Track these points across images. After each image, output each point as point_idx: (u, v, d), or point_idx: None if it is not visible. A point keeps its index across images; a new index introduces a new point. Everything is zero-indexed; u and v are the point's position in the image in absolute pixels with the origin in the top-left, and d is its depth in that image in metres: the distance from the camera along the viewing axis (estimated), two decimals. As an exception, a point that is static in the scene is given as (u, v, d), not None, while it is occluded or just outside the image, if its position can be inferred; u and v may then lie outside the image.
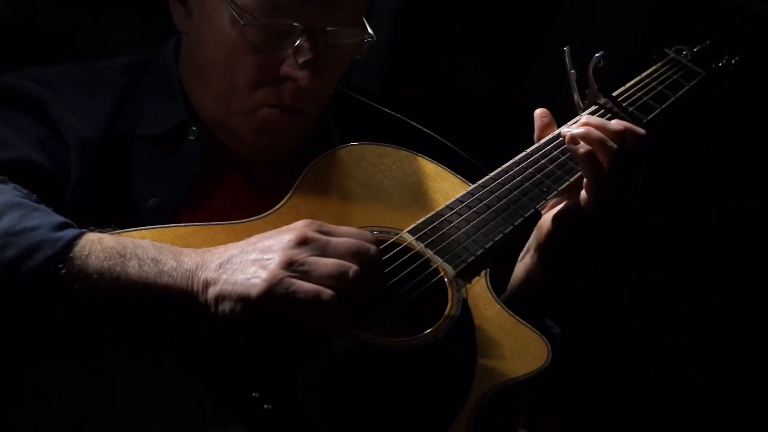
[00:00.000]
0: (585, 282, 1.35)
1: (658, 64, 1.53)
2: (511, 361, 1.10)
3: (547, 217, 1.28)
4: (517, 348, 1.11)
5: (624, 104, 1.39)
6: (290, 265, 0.98)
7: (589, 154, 1.20)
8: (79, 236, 1.01)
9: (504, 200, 1.23)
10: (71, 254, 0.99)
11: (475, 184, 1.26)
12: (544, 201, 1.25)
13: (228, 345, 1.01)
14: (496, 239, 1.19)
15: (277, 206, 1.19)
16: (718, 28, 1.66)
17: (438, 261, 1.15)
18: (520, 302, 1.29)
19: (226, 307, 0.98)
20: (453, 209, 1.21)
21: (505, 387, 1.08)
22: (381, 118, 1.45)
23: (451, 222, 1.20)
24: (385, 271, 1.10)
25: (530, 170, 1.28)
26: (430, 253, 1.16)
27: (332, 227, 1.04)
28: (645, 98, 1.43)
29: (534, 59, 2.26)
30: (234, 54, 1.23)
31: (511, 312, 1.15)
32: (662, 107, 1.43)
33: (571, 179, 1.27)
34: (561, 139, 1.31)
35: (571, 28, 2.25)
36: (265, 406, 0.99)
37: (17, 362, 0.97)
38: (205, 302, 0.99)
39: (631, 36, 2.16)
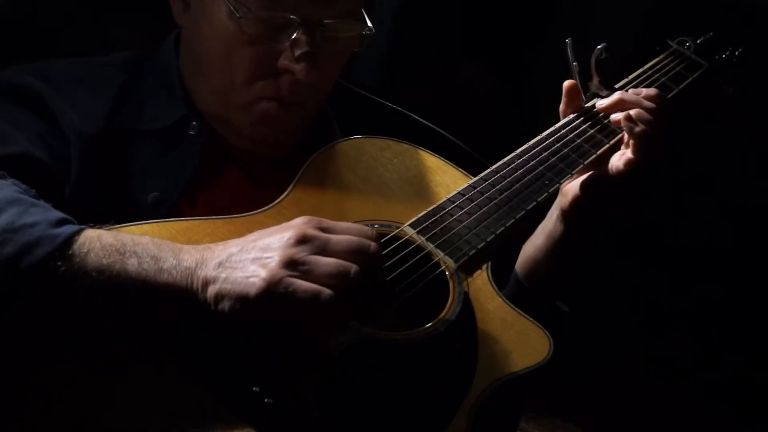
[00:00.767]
0: (591, 270, 1.36)
1: (662, 56, 1.52)
2: (512, 354, 1.09)
3: (575, 184, 1.29)
4: (519, 341, 1.11)
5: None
6: (290, 264, 0.97)
7: (643, 134, 1.23)
8: (78, 233, 1.00)
9: (506, 193, 1.23)
10: (70, 251, 0.98)
11: (477, 177, 1.25)
12: (546, 194, 1.24)
13: (228, 341, 1.00)
14: (497, 232, 1.19)
15: (278, 200, 1.19)
16: (721, 20, 1.65)
17: (439, 254, 1.15)
18: (533, 276, 1.31)
19: (225, 305, 0.97)
20: (454, 202, 1.21)
21: (507, 380, 1.07)
22: (382, 111, 1.45)
23: (453, 215, 1.19)
24: (386, 264, 1.09)
25: (532, 162, 1.27)
26: (431, 246, 1.15)
27: (332, 223, 1.04)
28: (648, 90, 1.42)
29: (534, 56, 2.25)
30: (231, 47, 1.23)
31: (512, 305, 1.15)
32: (665, 99, 1.42)
33: (573, 171, 1.27)
34: (563, 131, 1.31)
35: (571, 24, 2.24)
36: (266, 401, 0.99)
37: (16, 359, 0.96)
38: (205, 300, 0.99)
39: (632, 32, 2.15)
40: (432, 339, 1.08)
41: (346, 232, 1.03)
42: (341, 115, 1.42)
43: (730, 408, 2.18)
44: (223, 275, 0.98)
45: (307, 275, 0.97)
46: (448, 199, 1.21)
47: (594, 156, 1.29)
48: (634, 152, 1.26)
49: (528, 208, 1.22)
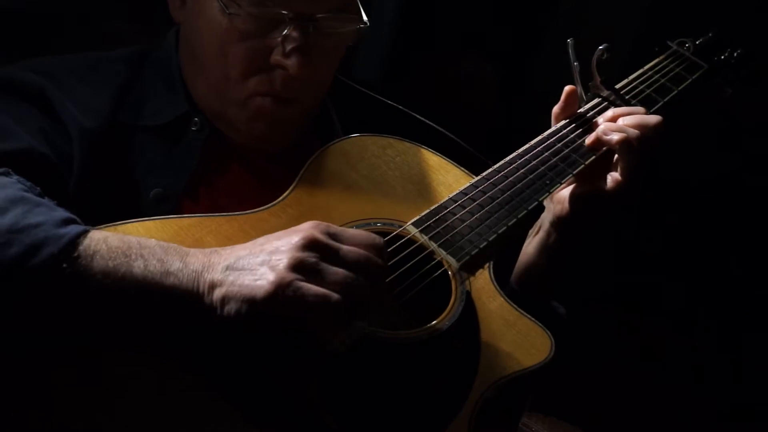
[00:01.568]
0: (585, 269, 1.36)
1: (661, 57, 1.52)
2: (514, 354, 1.10)
3: (567, 191, 1.28)
4: (521, 341, 1.11)
5: (627, 97, 1.39)
6: (298, 268, 0.97)
7: (625, 141, 1.23)
8: (83, 234, 0.99)
9: (508, 193, 1.23)
10: (75, 253, 0.97)
11: (479, 177, 1.26)
12: (547, 194, 1.25)
13: (232, 342, 1.00)
14: (500, 232, 1.19)
15: (281, 197, 1.19)
16: (721, 20, 1.66)
17: (442, 253, 1.15)
18: (528, 284, 1.30)
19: (231, 308, 0.97)
20: (457, 201, 1.21)
21: (509, 380, 1.08)
22: (384, 109, 1.45)
23: (455, 214, 1.20)
24: (389, 263, 1.09)
25: (534, 162, 1.27)
26: (434, 245, 1.16)
27: (340, 230, 1.03)
28: (648, 91, 1.43)
29: (535, 55, 2.26)
30: (225, 43, 1.23)
31: (514, 305, 1.15)
32: (665, 100, 1.43)
33: (575, 171, 1.27)
34: (565, 131, 1.32)
35: (571, 23, 2.25)
36: (272, 401, 0.99)
37: (21, 361, 0.96)
38: (211, 304, 0.98)
39: (632, 33, 2.16)
40: (434, 338, 1.08)
41: (355, 241, 1.02)
42: (343, 113, 1.42)
43: (731, 404, 2.19)
44: (230, 278, 0.98)
45: (315, 280, 0.97)
46: (451, 198, 1.21)
47: (594, 157, 1.29)
48: (622, 161, 1.25)
49: (530, 207, 1.22)
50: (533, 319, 1.14)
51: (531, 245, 1.33)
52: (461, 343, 1.10)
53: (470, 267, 1.16)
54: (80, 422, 0.95)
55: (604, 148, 1.28)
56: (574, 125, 1.33)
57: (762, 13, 1.93)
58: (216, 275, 0.98)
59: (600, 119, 1.31)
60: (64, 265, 0.96)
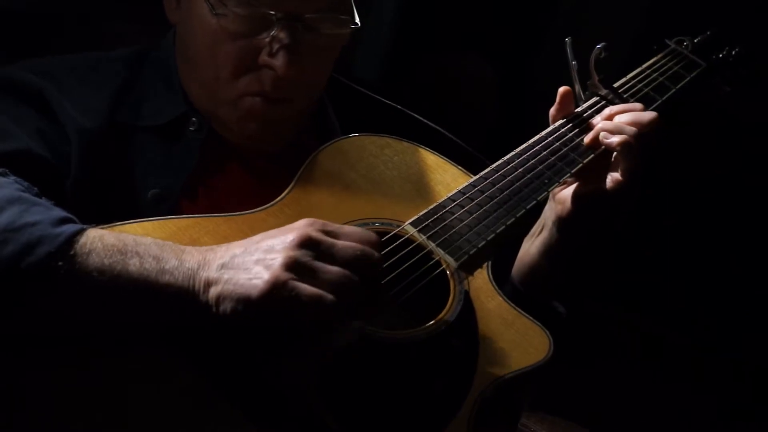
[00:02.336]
0: (586, 268, 1.36)
1: (659, 55, 1.52)
2: (513, 353, 1.10)
3: (569, 191, 1.28)
4: (519, 340, 1.11)
5: (625, 95, 1.39)
6: (293, 266, 0.97)
7: (624, 142, 1.23)
8: (79, 232, 1.00)
9: (506, 192, 1.23)
10: (71, 251, 0.97)
11: (477, 176, 1.25)
12: (545, 193, 1.25)
13: (229, 341, 1.00)
14: (498, 231, 1.19)
15: (279, 197, 1.19)
16: (719, 19, 1.66)
17: (440, 253, 1.15)
18: (531, 283, 1.30)
19: (227, 307, 0.97)
20: (455, 201, 1.21)
21: (508, 379, 1.08)
22: (383, 109, 1.45)
23: (453, 214, 1.19)
24: (387, 263, 1.09)
25: (532, 161, 1.27)
26: (432, 245, 1.16)
27: (336, 227, 1.03)
28: (646, 89, 1.43)
29: (534, 54, 2.26)
30: (215, 43, 1.23)
31: (512, 304, 1.15)
32: (663, 98, 1.43)
33: (573, 170, 1.27)
34: (563, 130, 1.32)
35: (570, 22, 2.25)
36: (271, 400, 0.99)
37: (17, 361, 0.96)
38: (206, 302, 0.98)
39: (630, 31, 2.16)
40: (433, 338, 1.08)
41: (350, 238, 1.02)
42: (341, 113, 1.41)
43: (730, 403, 2.19)
44: (226, 276, 0.98)
45: (310, 279, 0.97)
46: (449, 198, 1.21)
47: (593, 155, 1.29)
48: (623, 161, 1.25)
49: (528, 206, 1.22)
50: (532, 318, 1.14)
51: (533, 245, 1.33)
52: (460, 343, 1.10)
53: (468, 266, 1.16)
54: (80, 422, 0.95)
55: (603, 147, 1.28)
56: (572, 124, 1.33)
57: (761, 12, 1.93)
58: (211, 273, 0.98)
59: (597, 118, 1.31)
60: (60, 264, 0.96)
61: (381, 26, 2.02)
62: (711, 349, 2.23)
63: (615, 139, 1.24)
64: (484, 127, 2.15)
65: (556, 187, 1.27)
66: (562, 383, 1.26)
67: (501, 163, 1.27)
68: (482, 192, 1.23)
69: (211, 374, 1.00)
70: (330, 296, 0.96)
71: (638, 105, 1.32)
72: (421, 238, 1.16)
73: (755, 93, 1.55)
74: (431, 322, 1.09)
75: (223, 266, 0.99)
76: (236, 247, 1.01)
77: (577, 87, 1.36)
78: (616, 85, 1.40)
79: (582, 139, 1.30)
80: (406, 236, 1.16)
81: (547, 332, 1.12)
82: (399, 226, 1.18)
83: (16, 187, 1.06)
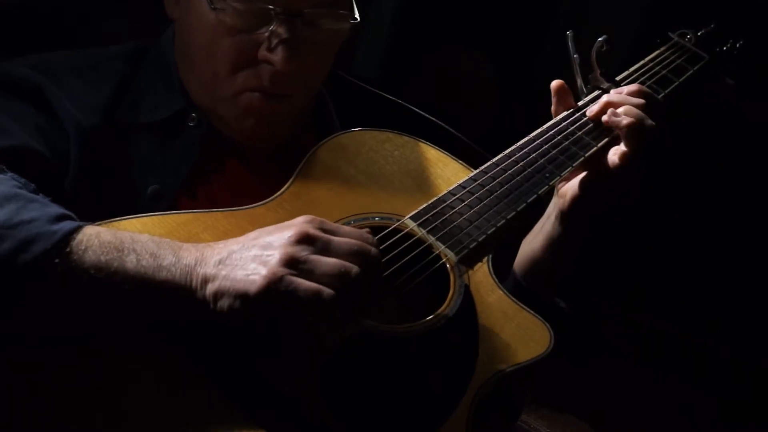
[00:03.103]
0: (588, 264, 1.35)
1: (662, 48, 1.51)
2: (513, 347, 1.09)
3: (572, 184, 1.27)
4: (520, 334, 1.11)
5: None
6: (291, 263, 0.97)
7: (631, 125, 1.22)
8: (76, 229, 0.99)
9: (506, 186, 1.23)
10: (68, 248, 0.97)
11: (478, 170, 1.25)
12: (546, 186, 1.24)
13: (227, 337, 0.99)
14: (498, 225, 1.18)
15: (279, 192, 1.19)
16: (722, 11, 1.65)
17: (440, 247, 1.15)
18: (535, 278, 1.30)
19: (224, 303, 0.96)
20: (455, 195, 1.20)
21: (508, 373, 1.07)
22: (383, 104, 1.45)
23: (454, 208, 1.19)
24: (387, 257, 1.09)
25: (533, 155, 1.27)
26: (432, 239, 1.15)
27: (333, 225, 1.03)
28: (648, 82, 1.41)
29: (535, 48, 2.25)
30: (213, 38, 1.23)
31: (513, 298, 1.15)
32: (666, 91, 1.42)
33: (574, 164, 1.26)
34: (564, 123, 1.31)
35: (571, 16, 2.24)
36: (269, 397, 0.98)
37: (14, 359, 0.95)
38: (204, 298, 0.98)
39: (633, 24, 2.15)
40: (433, 332, 1.07)
41: (348, 235, 1.02)
42: (341, 107, 1.41)
43: (732, 401, 2.18)
44: (223, 273, 0.97)
45: (307, 274, 0.96)
46: (449, 192, 1.21)
47: (595, 148, 1.28)
48: (628, 145, 1.25)
49: (529, 200, 1.22)
50: (532, 312, 1.13)
51: (536, 240, 1.33)
52: (460, 337, 1.09)
53: (469, 260, 1.15)
54: (79, 422, 0.95)
55: (605, 139, 1.27)
56: (573, 117, 1.32)
57: (761, 12, 1.92)
58: (209, 269, 0.98)
59: (595, 107, 1.30)
60: (57, 261, 0.96)
61: (381, 24, 2.01)
62: (713, 347, 2.22)
63: (622, 120, 1.24)
64: (485, 125, 2.15)
65: (558, 180, 1.26)
66: (561, 379, 1.25)
67: (502, 156, 1.27)
68: (483, 186, 1.22)
69: (210, 371, 0.99)
70: (328, 290, 0.95)
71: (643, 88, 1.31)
72: (421, 232, 1.15)
73: (759, 89, 1.54)
74: (431, 316, 1.09)
75: (220, 262, 0.98)
76: (233, 244, 1.01)
77: (579, 80, 1.36)
78: (618, 78, 1.39)
79: (584, 133, 1.29)
80: (406, 230, 1.16)
81: (548, 326, 1.11)
82: (399, 221, 1.17)
83: (13, 183, 1.06)
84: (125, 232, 1.02)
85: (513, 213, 1.20)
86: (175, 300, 0.99)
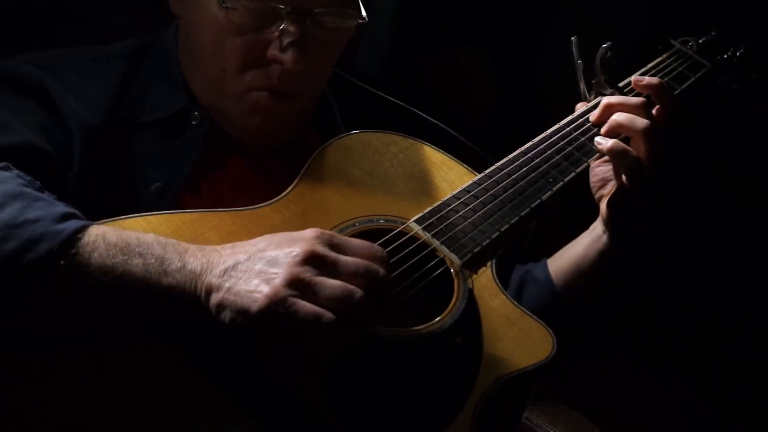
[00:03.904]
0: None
1: (664, 56, 1.52)
2: (516, 352, 1.10)
3: (603, 204, 1.33)
4: (523, 339, 1.11)
5: (630, 95, 1.38)
6: (294, 284, 0.95)
7: (620, 149, 1.26)
8: (81, 229, 0.99)
9: (510, 190, 1.23)
10: (73, 249, 0.97)
11: (482, 174, 1.25)
12: (550, 192, 1.25)
13: (233, 342, 0.99)
14: (502, 230, 1.19)
15: (284, 193, 1.18)
16: (721, 19, 1.66)
17: (444, 251, 1.15)
18: (572, 292, 1.37)
19: (226, 315, 0.96)
20: (459, 199, 1.21)
21: (511, 378, 1.08)
22: (387, 106, 1.45)
23: (458, 212, 1.19)
24: (391, 261, 1.08)
25: (537, 160, 1.27)
26: (436, 243, 1.15)
27: (342, 240, 1.01)
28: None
29: (538, 52, 2.25)
30: (221, 37, 1.22)
31: (516, 303, 1.15)
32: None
33: (578, 170, 1.27)
34: (568, 129, 1.32)
35: (573, 20, 2.24)
36: (274, 399, 0.98)
37: (17, 358, 0.95)
38: (207, 308, 0.97)
39: (633, 28, 2.15)
40: (436, 336, 1.08)
41: (356, 252, 1.00)
42: (345, 109, 1.41)
43: (734, 401, 2.20)
44: (227, 285, 0.96)
45: (310, 296, 0.95)
46: (453, 196, 1.21)
47: (598, 153, 1.29)
48: (637, 150, 1.27)
49: (532, 206, 1.22)
50: (535, 317, 1.14)
51: (581, 251, 1.38)
52: (463, 341, 1.10)
53: (473, 265, 1.16)
54: (80, 423, 0.95)
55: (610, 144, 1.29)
56: (576, 123, 1.33)
57: (761, 12, 1.93)
58: (213, 279, 0.97)
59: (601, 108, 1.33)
60: (62, 262, 0.96)
61: (382, 21, 2.00)
62: (715, 346, 2.23)
63: (640, 124, 1.27)
64: (485, 123, 2.15)
65: (560, 186, 1.26)
66: (565, 377, 1.26)
67: (506, 161, 1.27)
68: (487, 190, 1.23)
69: (214, 373, 0.99)
70: (328, 315, 0.94)
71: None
72: (426, 236, 1.16)
73: (760, 88, 1.55)
74: (435, 320, 1.09)
75: (225, 272, 0.98)
76: (240, 253, 1.00)
77: (583, 86, 1.37)
78: (621, 84, 1.40)
79: (587, 138, 1.30)
80: (411, 234, 1.16)
81: (551, 331, 1.12)
82: (403, 224, 1.17)
83: (19, 182, 1.05)
84: (131, 232, 1.02)
85: (517, 218, 1.21)
86: (180, 305, 0.98)
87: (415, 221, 1.17)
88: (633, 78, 1.38)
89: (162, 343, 0.99)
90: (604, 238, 1.35)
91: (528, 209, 1.22)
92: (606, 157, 1.30)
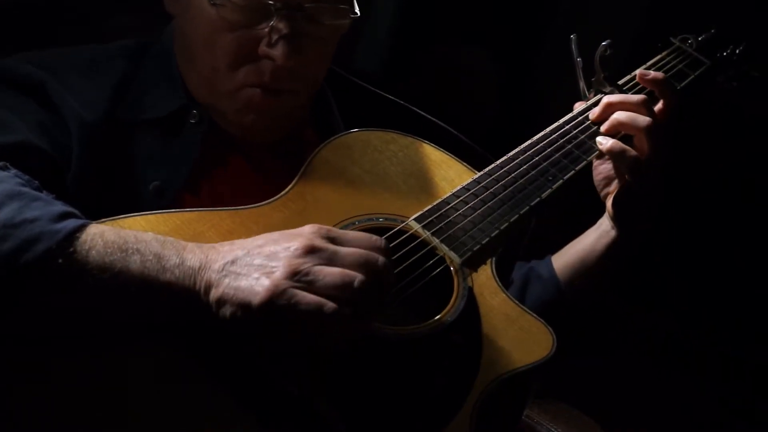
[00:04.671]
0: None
1: (664, 53, 1.53)
2: (516, 350, 1.10)
3: (608, 202, 1.34)
4: (523, 337, 1.11)
5: (630, 93, 1.39)
6: (294, 275, 0.95)
7: (619, 149, 1.27)
8: (80, 228, 0.98)
9: (510, 189, 1.23)
10: (71, 248, 0.96)
11: (481, 172, 1.25)
12: (549, 190, 1.25)
13: (233, 339, 0.99)
14: (502, 228, 1.19)
15: (284, 192, 1.18)
16: (721, 18, 1.66)
17: (444, 249, 1.15)
18: (577, 290, 1.38)
19: (227, 311, 0.96)
20: (459, 197, 1.21)
21: (510, 376, 1.08)
22: (386, 104, 1.45)
23: (458, 210, 1.19)
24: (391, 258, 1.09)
25: (536, 158, 1.27)
26: (436, 241, 1.16)
27: (340, 233, 1.01)
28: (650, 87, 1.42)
29: (537, 50, 2.25)
30: (213, 34, 1.22)
31: (516, 301, 1.15)
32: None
33: (578, 168, 1.27)
34: (567, 127, 1.32)
35: (573, 18, 2.24)
36: (273, 398, 0.98)
37: (16, 358, 0.95)
38: (207, 303, 0.97)
39: (633, 28, 2.15)
40: (436, 334, 1.08)
41: (355, 243, 1.00)
42: (344, 107, 1.41)
43: (735, 400, 2.19)
44: (226, 280, 0.97)
45: (310, 287, 0.95)
46: (453, 194, 1.21)
47: (598, 151, 1.29)
48: (639, 148, 1.27)
49: (532, 204, 1.22)
50: (535, 315, 1.14)
51: (588, 249, 1.39)
52: (463, 339, 1.10)
53: (472, 263, 1.16)
54: (81, 423, 0.94)
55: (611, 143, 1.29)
56: (576, 121, 1.33)
57: (761, 11, 1.93)
58: (213, 275, 0.97)
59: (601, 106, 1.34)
60: (60, 261, 0.95)
61: (382, 19, 2.00)
62: (715, 345, 2.23)
63: (642, 123, 1.28)
64: (485, 121, 2.15)
65: (560, 184, 1.27)
66: (566, 375, 1.26)
67: (505, 159, 1.27)
68: (487, 188, 1.23)
69: (215, 372, 0.99)
70: (330, 303, 0.94)
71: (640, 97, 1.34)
72: (426, 234, 1.16)
73: (759, 87, 1.55)
74: (435, 318, 1.09)
75: (224, 268, 0.97)
76: (239, 249, 1.00)
77: (582, 84, 1.37)
78: (620, 82, 1.40)
79: (586, 137, 1.30)
80: (410, 232, 1.16)
81: (551, 330, 1.12)
82: (403, 222, 1.17)
83: (17, 181, 1.05)
84: (129, 230, 1.01)
85: (516, 216, 1.21)
86: (179, 302, 0.98)
87: (415, 219, 1.17)
88: (638, 72, 1.39)
89: (162, 343, 0.99)
90: (612, 233, 1.37)
91: (528, 207, 1.22)
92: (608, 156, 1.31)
